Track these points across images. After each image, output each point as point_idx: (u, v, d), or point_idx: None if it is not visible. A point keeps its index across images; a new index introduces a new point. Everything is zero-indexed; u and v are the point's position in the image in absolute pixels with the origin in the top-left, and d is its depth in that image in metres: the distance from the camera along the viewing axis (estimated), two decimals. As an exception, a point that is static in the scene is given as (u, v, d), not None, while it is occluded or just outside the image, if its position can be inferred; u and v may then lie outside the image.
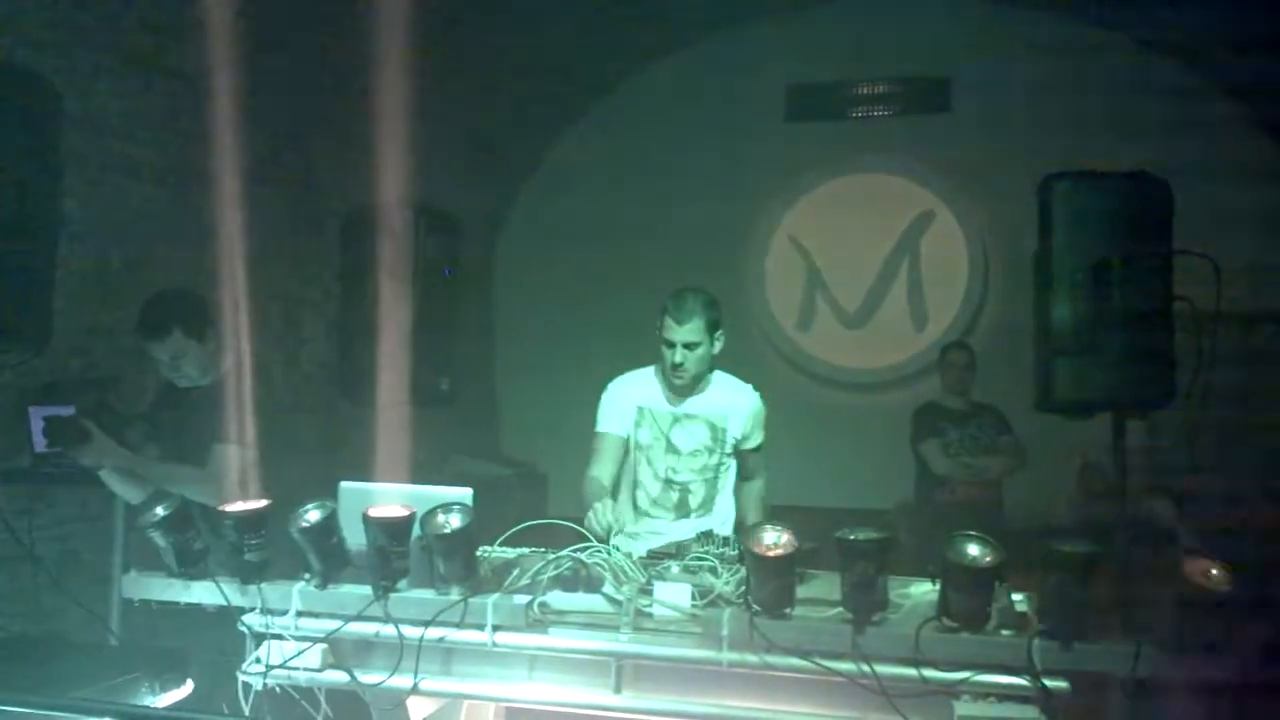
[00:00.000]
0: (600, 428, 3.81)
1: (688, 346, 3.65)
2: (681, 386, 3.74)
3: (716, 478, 3.83)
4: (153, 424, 3.72)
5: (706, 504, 3.82)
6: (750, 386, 3.86)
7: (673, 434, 3.78)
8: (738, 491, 3.89)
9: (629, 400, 3.81)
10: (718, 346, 3.73)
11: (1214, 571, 2.54)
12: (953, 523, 3.37)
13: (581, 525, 3.14)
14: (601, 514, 3.26)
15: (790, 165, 6.34)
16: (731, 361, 3.81)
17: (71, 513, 4.21)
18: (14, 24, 4.07)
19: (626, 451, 3.79)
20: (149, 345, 3.55)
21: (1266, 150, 5.40)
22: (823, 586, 2.89)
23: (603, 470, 3.69)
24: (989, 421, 5.02)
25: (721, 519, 3.83)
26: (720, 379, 3.84)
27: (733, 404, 3.80)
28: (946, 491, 4.99)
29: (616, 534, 3.27)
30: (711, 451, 3.80)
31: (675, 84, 6.28)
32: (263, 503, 2.99)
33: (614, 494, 3.71)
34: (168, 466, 3.54)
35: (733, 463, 3.87)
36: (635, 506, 3.86)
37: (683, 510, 3.81)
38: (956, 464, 4.94)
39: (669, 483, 3.80)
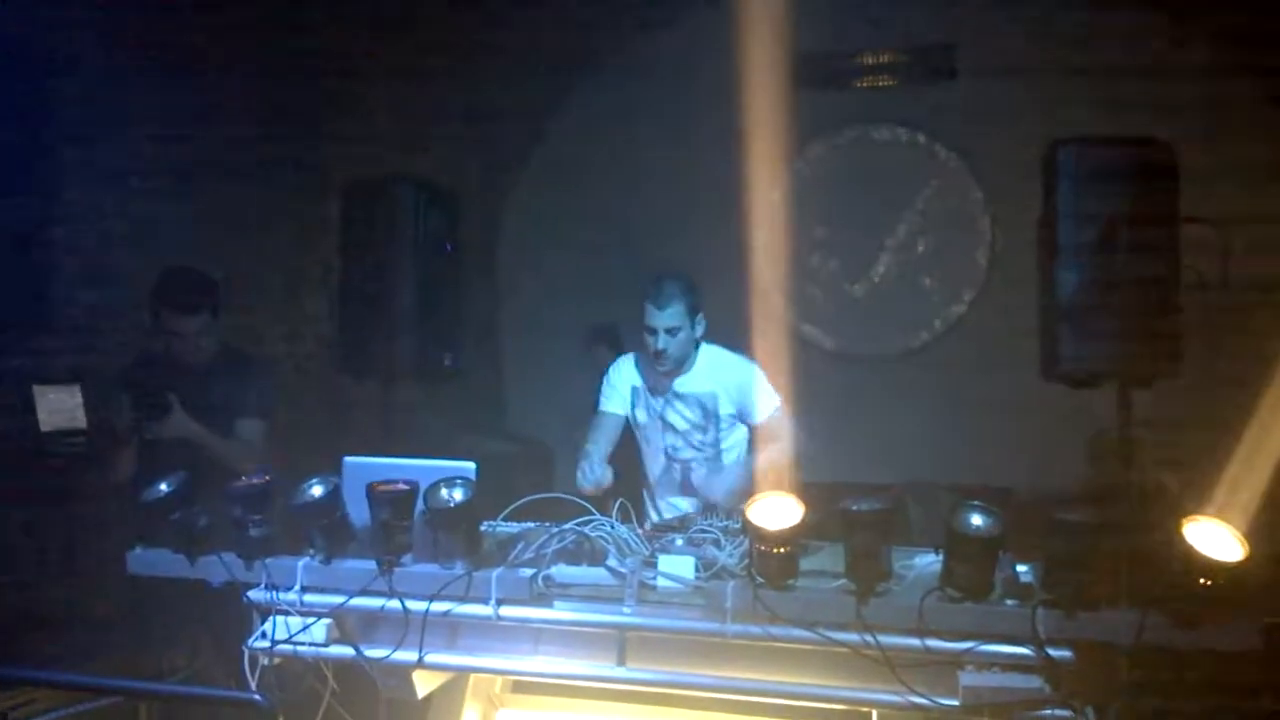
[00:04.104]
0: (602, 406, 3.89)
1: (669, 332, 3.66)
2: (665, 372, 3.74)
3: (718, 455, 3.84)
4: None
5: (709, 481, 3.82)
6: (741, 358, 3.84)
7: (666, 413, 3.81)
8: (747, 466, 3.87)
9: (626, 381, 3.86)
10: (699, 330, 3.74)
11: (1220, 540, 2.52)
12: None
13: (582, 499, 3.15)
14: (588, 471, 3.32)
15: (796, 136, 6.29)
16: (734, 337, 3.80)
17: (77, 491, 4.22)
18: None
19: (626, 430, 3.82)
20: (177, 320, 3.64)
21: (1274, 116, 5.34)
22: (827, 558, 2.89)
23: (596, 445, 3.72)
24: None
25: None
26: (709, 355, 3.83)
27: (722, 380, 3.80)
28: None
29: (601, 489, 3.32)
30: (704, 429, 3.81)
31: (680, 54, 6.22)
32: (266, 478, 3.00)
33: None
34: (223, 442, 3.63)
35: (739, 438, 3.87)
36: (647, 487, 3.93)
37: (687, 486, 3.83)
38: None
39: (670, 461, 3.84)
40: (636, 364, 3.87)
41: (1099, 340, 3.44)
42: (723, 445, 3.85)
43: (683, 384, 3.80)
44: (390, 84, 5.25)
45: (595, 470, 3.36)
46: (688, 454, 3.84)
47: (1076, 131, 3.68)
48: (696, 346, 3.79)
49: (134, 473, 3.57)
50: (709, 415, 3.80)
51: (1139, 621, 2.51)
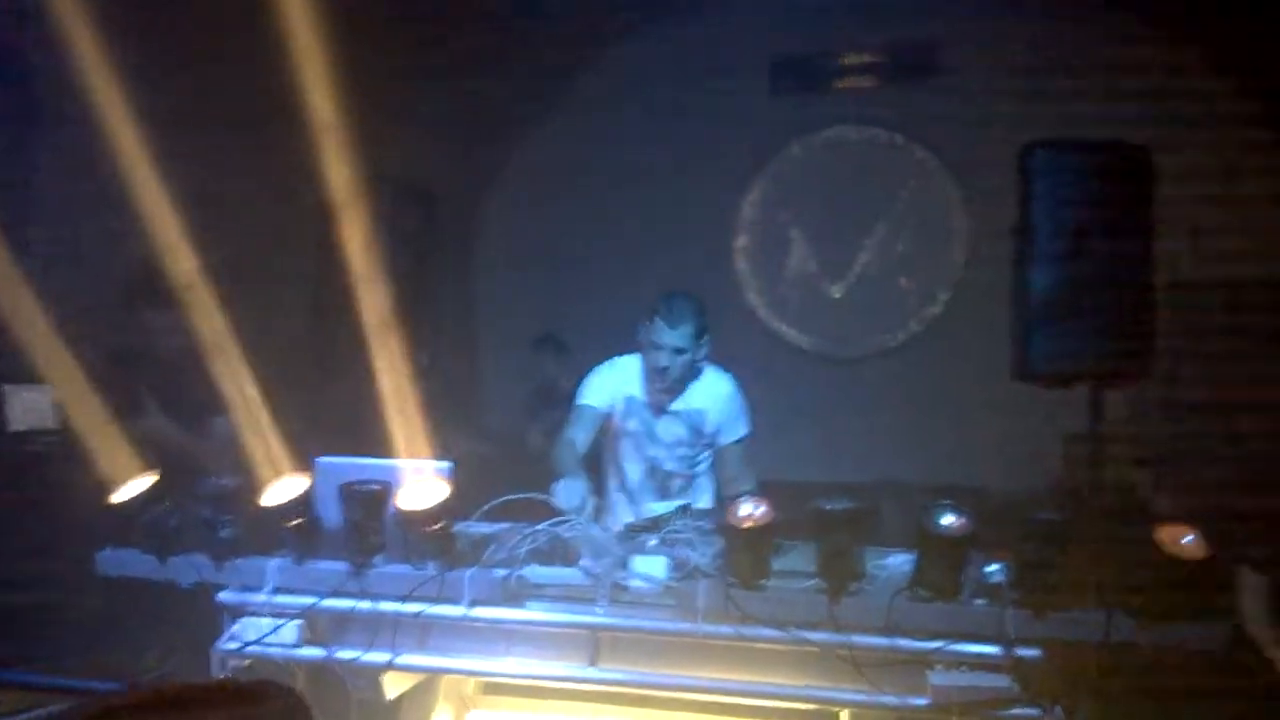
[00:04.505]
0: (581, 400, 3.81)
1: (676, 351, 3.63)
2: (663, 389, 3.72)
3: (695, 465, 3.88)
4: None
5: (686, 488, 3.86)
6: (728, 378, 3.84)
7: (655, 427, 3.81)
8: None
9: (619, 387, 3.81)
10: (702, 353, 3.72)
11: (1189, 539, 2.54)
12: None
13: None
14: (567, 495, 3.15)
15: (775, 138, 6.31)
16: (714, 336, 3.80)
17: (46, 489, 4.20)
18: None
19: (603, 427, 3.79)
20: (152, 315, 3.63)
21: (1251, 122, 5.38)
22: (799, 558, 2.89)
23: (578, 435, 3.68)
24: None
25: (700, 497, 3.86)
26: (705, 375, 3.82)
27: (712, 398, 3.81)
28: None
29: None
30: (692, 445, 3.83)
31: (659, 58, 6.23)
32: (237, 479, 2.98)
33: (593, 469, 3.71)
34: (198, 440, 3.61)
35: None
36: (623, 488, 3.90)
37: (665, 494, 3.84)
38: None
39: (652, 469, 3.85)
40: (642, 375, 3.79)
41: (1071, 341, 3.46)
42: (699, 459, 3.88)
43: (677, 402, 3.81)
44: (371, 84, 5.22)
45: (574, 499, 3.18)
46: (670, 465, 3.85)
47: (1052, 134, 3.70)
48: (698, 369, 3.78)
49: (111, 472, 3.55)
50: (697, 433, 3.81)
51: (1107, 621, 2.52)
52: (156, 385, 3.65)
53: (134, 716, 1.27)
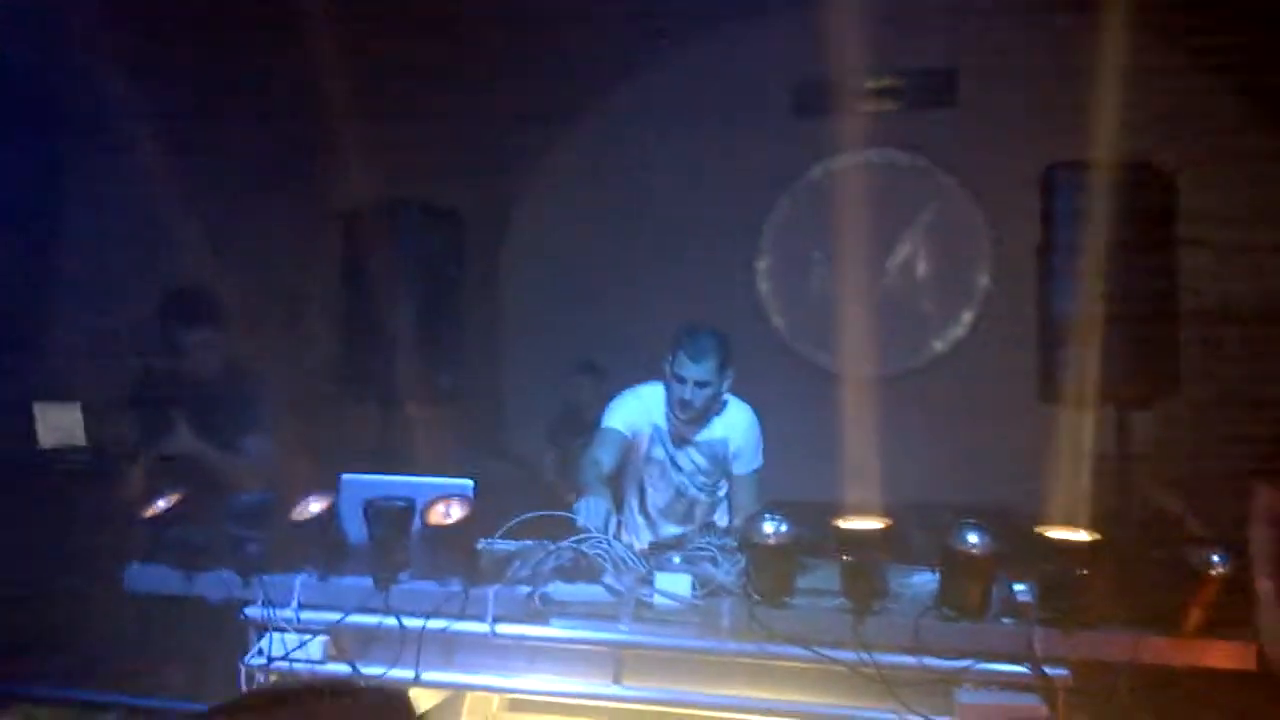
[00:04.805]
0: (607, 423, 3.82)
1: (699, 385, 3.64)
2: (686, 421, 3.74)
3: (716, 491, 3.92)
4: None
5: (708, 514, 3.91)
6: (748, 409, 3.86)
7: (678, 456, 3.82)
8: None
9: (645, 414, 3.83)
10: (725, 385, 3.73)
11: (1217, 558, 2.52)
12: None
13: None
14: (590, 514, 3.15)
15: (797, 160, 6.33)
16: (737, 358, 3.80)
17: (74, 506, 4.24)
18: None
19: (628, 451, 3.80)
20: (184, 334, 3.68)
21: (1273, 142, 5.36)
22: (824, 576, 2.88)
23: (603, 456, 3.68)
24: None
25: (721, 519, 3.88)
26: (729, 406, 3.84)
27: (733, 428, 3.83)
28: None
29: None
30: (711, 474, 3.87)
31: (681, 80, 6.27)
32: (263, 495, 3.01)
33: (616, 491, 3.72)
34: (229, 459, 3.64)
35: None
36: (645, 514, 3.92)
37: (689, 520, 3.88)
38: None
39: (678, 494, 3.87)
40: (666, 405, 3.80)
41: (1097, 362, 3.45)
42: (719, 486, 3.91)
43: (701, 433, 3.82)
44: (397, 107, 5.29)
45: (596, 519, 3.17)
46: (692, 492, 3.87)
47: (1074, 155, 3.70)
48: (722, 402, 3.79)
49: (143, 490, 3.58)
50: (718, 462, 3.83)
51: (1135, 641, 2.50)
52: (188, 404, 3.68)
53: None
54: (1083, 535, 2.62)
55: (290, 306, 5.08)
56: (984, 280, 5.96)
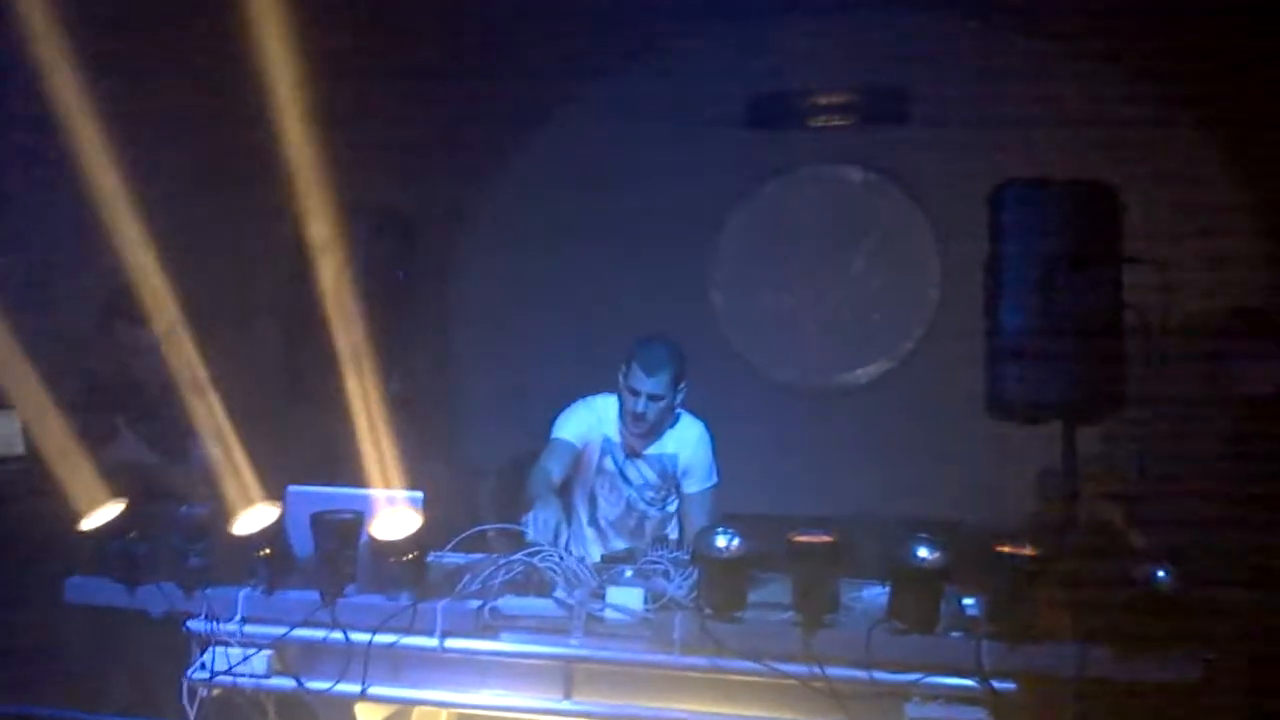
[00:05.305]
0: (557, 434, 3.80)
1: (652, 398, 3.63)
2: (638, 434, 3.73)
3: (665, 506, 3.92)
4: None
5: (662, 526, 3.91)
6: (701, 424, 3.86)
7: (627, 468, 3.81)
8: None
9: (596, 425, 3.82)
10: (679, 399, 3.73)
11: (1161, 573, 2.56)
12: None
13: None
14: (540, 527, 3.11)
15: (750, 174, 6.36)
16: (691, 373, 3.80)
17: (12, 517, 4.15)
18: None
19: (578, 461, 3.78)
20: (132, 334, 3.62)
21: (1219, 160, 5.47)
22: (775, 590, 2.89)
23: (553, 466, 3.66)
24: None
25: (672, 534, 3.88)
26: (679, 420, 3.84)
27: (684, 443, 3.83)
28: None
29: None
30: (659, 489, 3.87)
31: (636, 90, 6.28)
32: (207, 507, 2.96)
33: (566, 503, 3.70)
34: (174, 468, 3.58)
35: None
36: (596, 525, 3.91)
37: (639, 534, 3.87)
38: None
39: (629, 508, 3.86)
40: (619, 417, 3.79)
41: (1043, 377, 3.49)
42: (669, 501, 3.92)
43: (651, 446, 3.82)
44: (348, 114, 5.24)
45: (546, 533, 3.12)
46: (642, 506, 3.86)
47: (1024, 173, 3.75)
48: (675, 415, 3.78)
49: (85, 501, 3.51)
50: (667, 477, 3.83)
51: (1081, 653, 2.53)
52: (132, 411, 3.61)
53: None
54: (1030, 550, 2.64)
55: (236, 311, 5.01)
56: (933, 294, 6.02)
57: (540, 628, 2.80)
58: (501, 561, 2.92)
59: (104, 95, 4.32)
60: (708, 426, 3.87)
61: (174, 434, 3.71)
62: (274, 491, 3.01)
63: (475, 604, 2.81)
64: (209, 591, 2.91)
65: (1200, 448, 3.63)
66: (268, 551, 2.89)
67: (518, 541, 3.03)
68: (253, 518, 2.89)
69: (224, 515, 2.93)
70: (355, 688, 2.80)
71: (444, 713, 3.17)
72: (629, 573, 2.95)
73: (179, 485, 3.49)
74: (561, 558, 2.90)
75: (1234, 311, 4.24)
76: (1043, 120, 5.44)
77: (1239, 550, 3.24)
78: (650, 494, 3.84)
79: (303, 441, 3.87)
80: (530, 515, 3.17)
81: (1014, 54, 5.66)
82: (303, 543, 2.91)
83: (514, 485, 4.23)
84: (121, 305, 3.70)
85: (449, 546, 3.10)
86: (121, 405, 3.65)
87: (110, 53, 4.35)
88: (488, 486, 5.23)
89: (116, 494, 3.05)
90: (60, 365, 4.24)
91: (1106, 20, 5.29)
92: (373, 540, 2.82)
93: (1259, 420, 3.68)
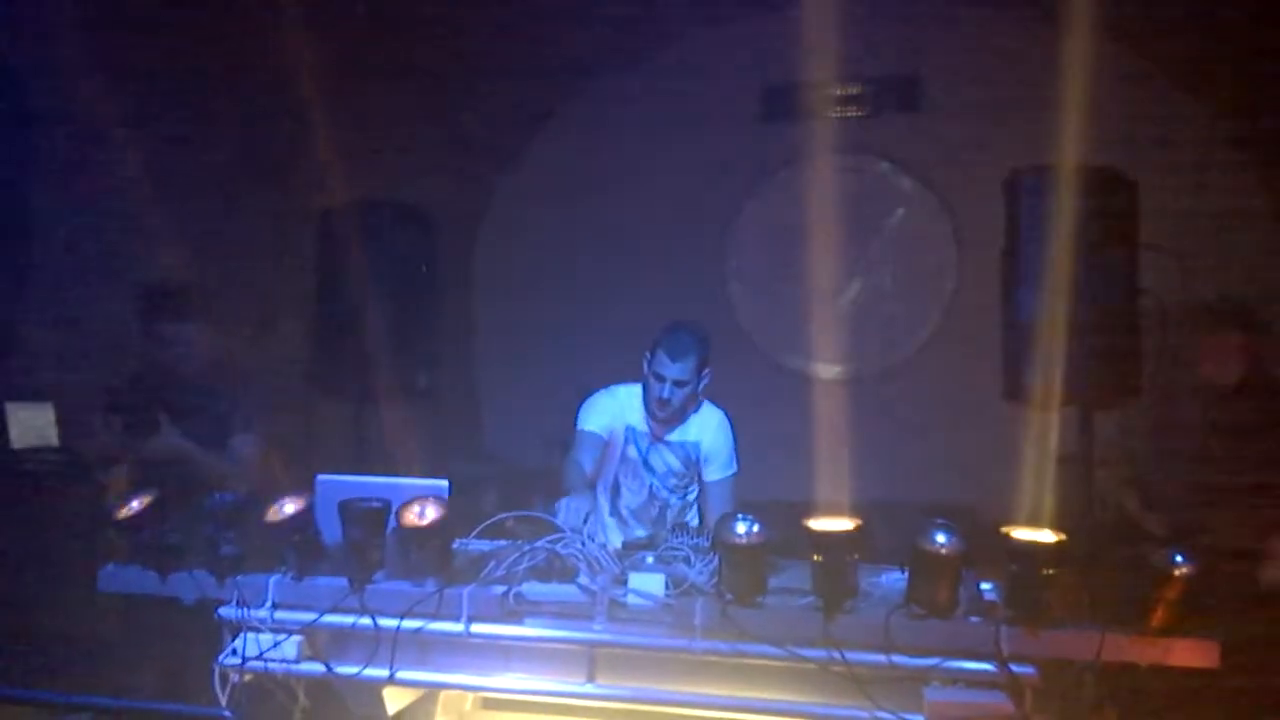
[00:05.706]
0: (583, 426, 3.85)
1: (677, 384, 3.67)
2: (662, 420, 3.77)
3: (688, 494, 3.96)
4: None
5: (681, 514, 3.94)
6: (722, 414, 3.90)
7: (650, 456, 3.85)
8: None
9: (619, 414, 3.86)
10: (704, 384, 3.76)
11: (1180, 558, 2.58)
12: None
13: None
14: (570, 513, 3.18)
15: (765, 164, 6.38)
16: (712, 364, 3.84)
17: (47, 508, 4.21)
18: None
19: (604, 451, 3.83)
20: (170, 327, 3.68)
21: (1231, 149, 5.46)
22: (795, 576, 2.92)
23: (584, 458, 3.72)
24: None
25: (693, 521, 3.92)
26: (702, 408, 3.88)
27: (706, 431, 3.87)
28: None
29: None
30: (683, 476, 3.90)
31: (653, 85, 6.31)
32: (238, 495, 3.01)
33: (594, 490, 3.75)
34: (215, 458, 3.64)
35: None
36: (617, 514, 3.94)
37: (661, 523, 3.90)
38: None
39: (651, 496, 3.89)
40: (643, 404, 3.83)
41: (1060, 363, 3.51)
42: (691, 488, 3.96)
43: (674, 433, 3.85)
44: (370, 109, 5.29)
45: (576, 519, 3.19)
46: (664, 494, 3.90)
47: (1039, 161, 3.76)
48: (698, 402, 3.81)
49: (126, 491, 3.56)
50: (690, 464, 3.86)
51: (1100, 639, 2.55)
52: (173, 403, 3.67)
53: None
54: (1047, 535, 2.67)
55: (264, 306, 5.06)
56: (949, 283, 6.03)
57: (563, 613, 2.84)
58: (526, 548, 2.96)
59: (138, 101, 4.40)
60: (727, 415, 3.91)
61: (215, 426, 3.76)
62: (303, 480, 3.06)
63: (500, 589, 2.85)
64: (240, 579, 2.95)
65: (1216, 432, 3.65)
66: (297, 539, 2.93)
67: (541, 528, 3.07)
68: (283, 506, 2.94)
69: (255, 503, 2.97)
70: (383, 672, 2.84)
71: (469, 696, 3.22)
72: (650, 559, 2.99)
73: (219, 476, 3.54)
74: (584, 544, 2.94)
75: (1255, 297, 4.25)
76: (1058, 108, 5.44)
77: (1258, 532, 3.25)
78: (673, 481, 3.88)
79: (331, 432, 3.92)
80: (563, 501, 3.24)
81: (1027, 42, 5.66)
82: (331, 530, 2.95)
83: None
84: (160, 300, 3.76)
85: (474, 533, 3.14)
86: (163, 399, 3.70)
87: (139, 52, 4.42)
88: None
89: (153, 484, 3.09)
90: (90, 358, 4.32)
91: (1128, 9, 5.29)
92: (400, 527, 2.86)
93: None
